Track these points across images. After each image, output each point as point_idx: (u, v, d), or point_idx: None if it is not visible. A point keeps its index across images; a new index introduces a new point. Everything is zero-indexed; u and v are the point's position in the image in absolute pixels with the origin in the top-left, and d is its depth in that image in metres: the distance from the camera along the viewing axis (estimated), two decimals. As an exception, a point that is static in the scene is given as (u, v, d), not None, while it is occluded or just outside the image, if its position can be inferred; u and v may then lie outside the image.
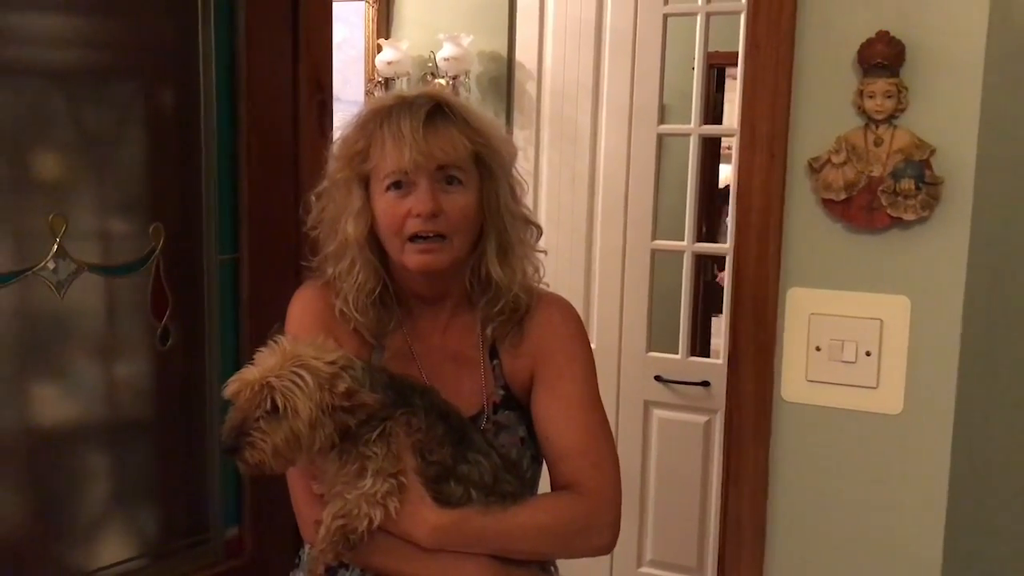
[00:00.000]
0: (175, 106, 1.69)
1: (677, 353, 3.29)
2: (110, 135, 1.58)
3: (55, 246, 1.46)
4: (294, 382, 1.16)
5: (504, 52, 3.64)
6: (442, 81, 3.65)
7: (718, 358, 3.32)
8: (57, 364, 1.52)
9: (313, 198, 1.40)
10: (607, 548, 1.33)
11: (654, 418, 3.35)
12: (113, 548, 1.63)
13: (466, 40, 3.62)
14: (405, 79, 3.78)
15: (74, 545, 1.58)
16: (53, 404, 1.54)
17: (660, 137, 3.27)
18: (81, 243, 1.50)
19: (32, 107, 1.47)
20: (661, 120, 3.27)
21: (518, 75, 3.61)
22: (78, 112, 1.53)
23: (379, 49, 3.78)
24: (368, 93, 3.79)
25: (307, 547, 1.36)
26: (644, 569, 3.39)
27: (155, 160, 1.64)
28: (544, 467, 1.40)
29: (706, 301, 4.08)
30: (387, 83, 3.80)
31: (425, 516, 1.23)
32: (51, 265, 1.46)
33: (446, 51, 3.62)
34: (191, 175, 1.68)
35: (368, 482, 1.20)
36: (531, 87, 3.57)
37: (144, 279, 1.60)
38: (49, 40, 1.50)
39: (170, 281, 1.62)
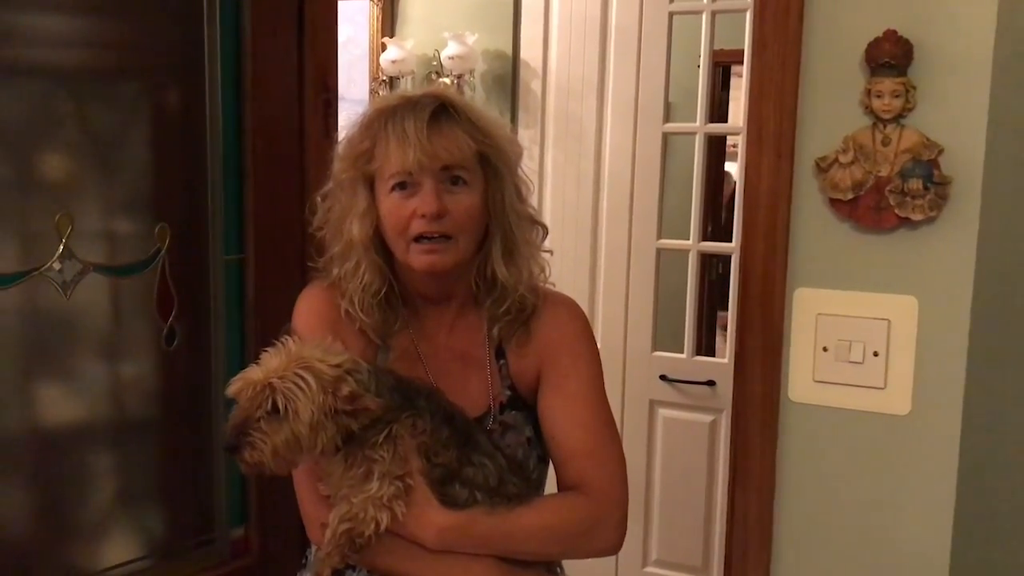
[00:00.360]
0: (181, 106, 1.69)
1: (682, 352, 3.29)
2: (116, 135, 1.58)
3: (61, 247, 1.46)
4: (296, 384, 1.16)
5: (509, 50, 3.64)
6: (447, 80, 3.65)
7: (723, 356, 3.32)
8: (63, 364, 1.52)
9: (319, 199, 1.40)
10: (613, 549, 1.33)
11: (659, 417, 3.35)
12: (119, 548, 1.63)
13: (471, 39, 3.62)
14: (410, 78, 3.78)
15: (81, 545, 1.58)
16: (59, 404, 1.54)
17: (665, 136, 3.26)
18: (87, 243, 1.50)
19: (38, 107, 1.47)
20: (666, 118, 3.27)
21: (523, 73, 3.61)
22: (84, 112, 1.53)
23: (384, 48, 3.78)
24: (373, 92, 3.79)
25: (313, 547, 1.36)
26: (649, 569, 3.38)
27: (161, 160, 1.64)
28: (551, 467, 1.40)
29: (711, 298, 4.08)
30: (392, 82, 3.80)
31: (431, 518, 1.23)
32: (57, 265, 1.46)
33: (451, 50, 3.62)
34: (196, 175, 1.68)
35: (374, 485, 1.19)
36: (536, 85, 3.57)
37: (150, 279, 1.60)
38: (55, 40, 1.50)
39: (176, 281, 1.62)
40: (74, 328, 1.51)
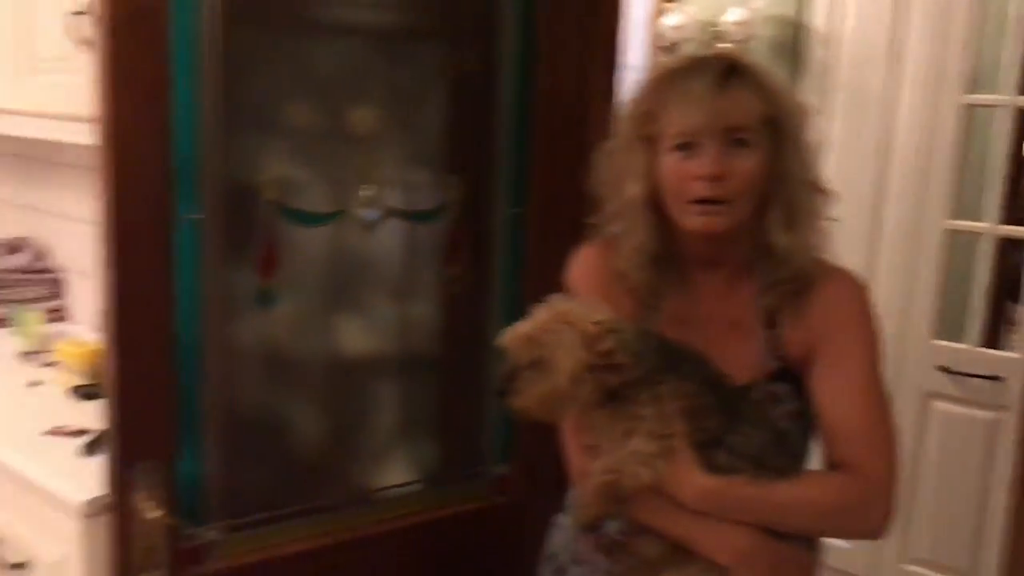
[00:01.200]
0: (475, 68, 1.77)
1: (965, 342, 3.05)
2: (417, 93, 1.69)
3: (367, 192, 1.60)
4: (558, 338, 1.21)
5: (794, 15, 3.49)
6: (728, 46, 3.56)
7: (1013, 351, 3.05)
8: (361, 299, 1.67)
9: (599, 157, 1.42)
10: (877, 534, 1.28)
11: (933, 410, 3.14)
12: (396, 471, 1.77)
13: (755, 3, 3.50)
14: (691, 44, 3.72)
15: (363, 465, 1.74)
16: (355, 336, 1.70)
17: (967, 107, 3.01)
18: (388, 191, 1.63)
19: (350, 65, 1.61)
20: (969, 89, 3.01)
21: (808, 40, 3.45)
22: (390, 70, 1.66)
23: (665, 13, 3.75)
24: (653, 57, 3.78)
25: (573, 493, 1.41)
26: (909, 567, 3.20)
27: (455, 118, 1.74)
28: (815, 443, 1.36)
29: (1003, 287, 3.73)
30: (672, 47, 3.76)
31: (692, 479, 1.23)
32: (362, 209, 1.60)
33: (734, 15, 3.53)
34: (487, 132, 1.76)
35: (639, 441, 1.22)
36: (822, 52, 3.40)
37: (440, 227, 1.71)
38: (367, 3, 1.63)
39: (463, 230, 1.72)
40: (373, 267, 1.66)
